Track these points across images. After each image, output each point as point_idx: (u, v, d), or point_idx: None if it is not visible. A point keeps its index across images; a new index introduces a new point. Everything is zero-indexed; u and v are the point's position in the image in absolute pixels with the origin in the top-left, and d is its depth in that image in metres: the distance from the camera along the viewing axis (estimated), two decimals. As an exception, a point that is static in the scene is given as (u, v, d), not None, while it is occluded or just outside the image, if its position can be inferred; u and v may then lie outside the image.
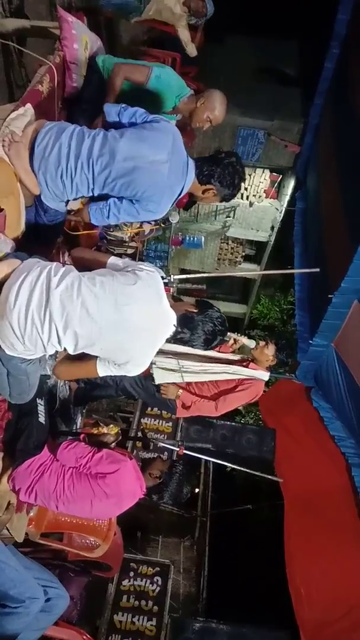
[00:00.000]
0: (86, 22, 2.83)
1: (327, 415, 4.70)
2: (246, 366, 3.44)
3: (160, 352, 3.48)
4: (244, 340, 3.53)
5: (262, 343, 3.48)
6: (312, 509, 4.45)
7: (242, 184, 2.34)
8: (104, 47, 2.95)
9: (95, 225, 2.40)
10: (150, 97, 2.66)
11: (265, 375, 3.46)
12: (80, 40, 2.63)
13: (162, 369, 3.42)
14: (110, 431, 2.73)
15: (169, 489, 2.71)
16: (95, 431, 2.70)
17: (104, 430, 2.73)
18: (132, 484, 2.42)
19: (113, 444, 2.65)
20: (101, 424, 2.80)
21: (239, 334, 3.60)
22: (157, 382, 3.44)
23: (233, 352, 3.54)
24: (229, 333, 3.43)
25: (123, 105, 2.22)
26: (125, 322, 1.75)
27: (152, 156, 2.04)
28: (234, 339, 3.52)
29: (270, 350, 3.45)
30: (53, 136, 2.03)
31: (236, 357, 3.52)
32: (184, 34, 4.33)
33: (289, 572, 4.23)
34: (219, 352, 3.52)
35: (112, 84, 2.58)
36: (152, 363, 3.39)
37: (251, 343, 3.51)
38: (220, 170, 2.20)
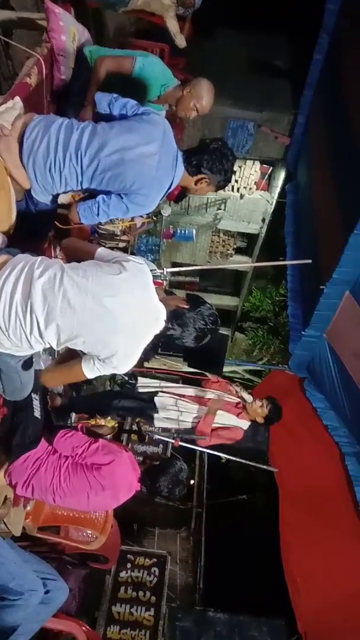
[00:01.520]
0: (73, 13, 2.80)
1: (320, 405, 4.74)
2: (237, 414, 3.66)
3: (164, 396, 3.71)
4: (244, 394, 3.71)
5: (258, 402, 3.66)
6: (307, 499, 4.50)
7: (234, 170, 2.30)
8: (91, 39, 2.93)
9: (87, 224, 2.38)
10: (134, 86, 2.63)
11: (246, 425, 3.68)
12: (68, 31, 2.61)
13: (165, 418, 3.68)
14: (107, 423, 2.73)
15: (165, 476, 2.63)
16: (92, 422, 2.70)
17: (101, 422, 2.73)
18: (128, 476, 2.43)
19: (109, 435, 2.66)
20: (98, 415, 2.81)
21: (241, 388, 3.83)
22: (156, 425, 3.68)
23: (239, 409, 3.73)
24: (234, 387, 3.73)
25: (114, 95, 2.20)
26: (107, 314, 1.70)
27: (141, 148, 2.02)
28: (236, 391, 3.73)
29: (263, 411, 3.65)
30: (42, 129, 2.01)
31: (234, 400, 3.75)
32: (173, 25, 4.29)
33: (285, 561, 4.29)
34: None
35: (95, 76, 2.56)
36: (155, 412, 3.65)
37: (249, 398, 3.69)
38: (207, 157, 2.15)
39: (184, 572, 6.08)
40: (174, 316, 1.92)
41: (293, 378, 5.15)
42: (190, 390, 3.81)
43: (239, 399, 3.75)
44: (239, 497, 6.73)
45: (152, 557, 5.40)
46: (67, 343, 1.75)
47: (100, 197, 2.13)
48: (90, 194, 2.20)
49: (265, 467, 3.94)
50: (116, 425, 2.85)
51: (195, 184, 2.23)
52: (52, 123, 2.03)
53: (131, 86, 2.62)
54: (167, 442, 3.63)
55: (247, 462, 3.68)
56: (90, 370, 1.86)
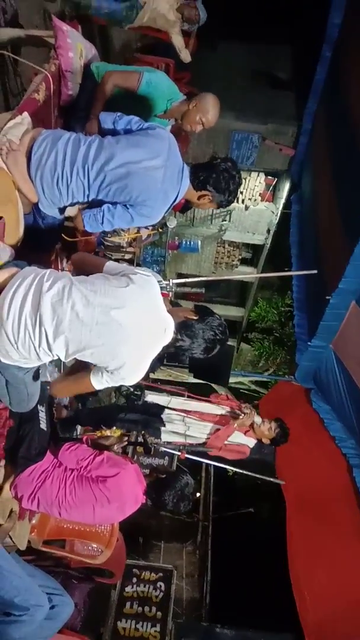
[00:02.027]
0: (80, 30, 2.85)
1: (327, 416, 4.70)
2: (244, 432, 3.69)
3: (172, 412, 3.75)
4: (255, 416, 3.71)
5: (267, 424, 3.68)
6: (314, 511, 4.44)
7: (239, 190, 2.32)
8: (98, 55, 2.97)
9: (91, 232, 2.40)
10: (141, 101, 2.67)
11: (252, 443, 3.73)
12: (75, 48, 2.65)
13: (171, 432, 3.71)
14: (113, 433, 2.72)
15: (171, 490, 2.61)
16: (98, 434, 2.68)
17: (107, 433, 2.72)
18: (133, 488, 2.40)
19: (117, 446, 2.63)
20: (104, 427, 2.79)
21: (252, 410, 3.81)
22: (162, 439, 3.71)
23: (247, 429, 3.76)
24: (247, 409, 3.73)
25: (118, 114, 2.24)
26: (115, 325, 1.71)
27: (146, 162, 2.05)
28: (248, 413, 3.71)
29: (271, 434, 3.68)
30: (49, 144, 2.04)
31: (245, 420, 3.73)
32: (178, 40, 4.36)
33: (292, 574, 4.22)
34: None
35: (101, 91, 2.60)
36: (162, 426, 3.69)
37: (258, 420, 3.71)
38: (215, 175, 2.17)
39: (190, 587, 6.01)
40: (182, 327, 1.91)
41: (299, 389, 5.12)
42: (197, 406, 3.83)
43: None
44: (246, 510, 6.65)
45: (158, 572, 5.35)
46: (76, 355, 1.75)
47: (105, 206, 2.16)
48: (96, 204, 2.23)
49: (272, 479, 3.90)
50: (123, 435, 2.82)
51: (198, 198, 2.26)
52: (59, 138, 2.06)
53: (138, 101, 2.66)
54: (174, 454, 3.61)
55: (254, 475, 3.65)
56: (98, 382, 1.86)
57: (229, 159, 2.27)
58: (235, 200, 8.99)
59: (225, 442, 3.63)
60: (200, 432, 3.71)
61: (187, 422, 3.72)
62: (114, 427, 3.06)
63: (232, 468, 3.65)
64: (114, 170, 2.03)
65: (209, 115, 2.67)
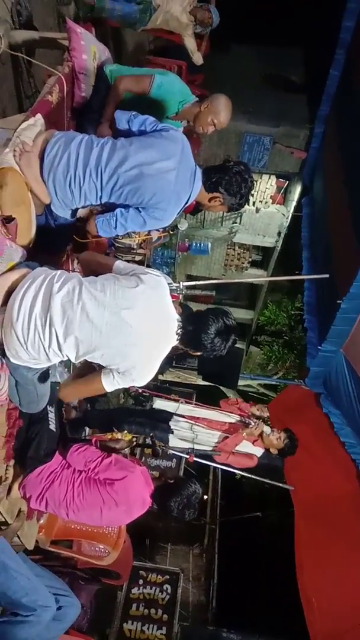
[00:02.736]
0: (94, 32, 2.86)
1: (337, 421, 4.65)
2: (252, 441, 3.69)
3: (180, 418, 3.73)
4: (264, 426, 3.71)
5: (276, 434, 3.69)
6: (323, 517, 4.40)
7: (250, 193, 2.31)
8: (111, 57, 2.98)
9: (105, 236, 2.40)
10: (153, 104, 2.67)
11: (259, 452, 3.73)
12: (89, 50, 2.66)
13: (179, 438, 3.71)
14: (124, 437, 2.71)
15: (178, 496, 2.59)
16: (108, 436, 2.68)
17: (118, 435, 2.71)
18: (141, 491, 2.39)
19: (127, 449, 2.63)
20: (115, 429, 2.79)
21: (262, 415, 3.88)
22: (170, 444, 3.68)
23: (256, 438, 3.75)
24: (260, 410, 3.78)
25: (133, 112, 2.23)
26: (125, 326, 1.71)
27: (159, 163, 2.05)
28: (258, 424, 3.71)
29: (279, 444, 3.69)
30: (62, 145, 2.04)
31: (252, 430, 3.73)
32: (190, 43, 4.37)
33: (300, 581, 4.18)
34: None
35: (114, 94, 2.60)
36: (170, 433, 3.68)
37: (267, 430, 3.71)
38: (227, 178, 2.16)
39: (197, 590, 5.98)
40: (191, 318, 1.90)
41: (309, 393, 5.08)
42: (206, 414, 3.82)
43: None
44: (253, 514, 6.61)
45: (164, 574, 5.33)
46: (86, 356, 1.76)
47: (118, 210, 2.15)
48: (108, 207, 2.23)
49: (281, 484, 3.87)
50: (133, 439, 2.82)
51: (209, 200, 2.24)
52: (72, 139, 2.06)
53: (149, 103, 2.65)
54: (181, 457, 3.60)
55: (263, 480, 3.63)
56: (109, 384, 1.85)
57: (241, 162, 2.25)
58: (246, 203, 8.98)
59: (233, 450, 3.63)
60: (208, 439, 3.70)
61: (194, 430, 3.72)
62: (125, 431, 3.06)
63: (240, 472, 3.62)
64: (127, 172, 2.03)
65: (221, 116, 2.66)
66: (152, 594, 5.14)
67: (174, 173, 2.07)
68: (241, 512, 6.79)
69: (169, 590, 5.18)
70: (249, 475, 3.63)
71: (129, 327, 1.72)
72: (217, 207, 2.28)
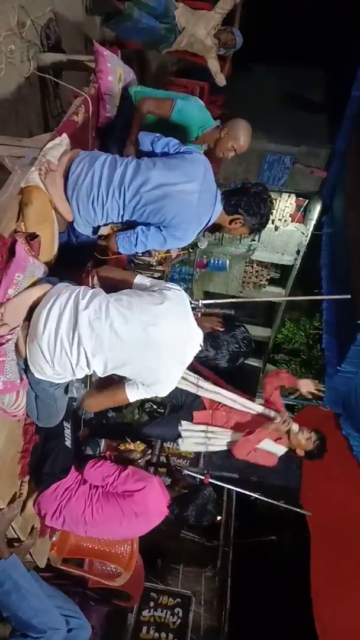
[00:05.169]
0: (120, 55, 2.93)
1: (356, 444, 4.55)
2: (275, 439, 3.37)
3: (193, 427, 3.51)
4: (293, 425, 3.37)
5: (306, 434, 3.35)
6: (340, 543, 4.27)
7: (270, 216, 2.31)
8: (136, 78, 3.04)
9: (125, 253, 2.43)
10: (173, 127, 2.72)
11: (282, 450, 3.41)
12: (115, 72, 2.72)
13: (191, 442, 3.46)
14: (137, 448, 2.70)
15: (193, 504, 2.50)
16: (122, 447, 2.67)
17: (131, 446, 2.70)
18: (159, 501, 2.38)
19: (141, 460, 2.61)
20: (128, 440, 2.78)
21: (291, 418, 3.46)
22: (182, 449, 3.48)
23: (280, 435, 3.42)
24: (285, 418, 3.37)
25: (157, 134, 2.29)
26: (153, 342, 1.76)
27: (182, 185, 2.08)
28: (287, 422, 3.34)
29: (308, 445, 3.34)
30: (86, 165, 2.08)
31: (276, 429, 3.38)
32: (214, 65, 4.43)
33: (316, 608, 4.04)
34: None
35: (137, 117, 2.66)
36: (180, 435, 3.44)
37: (295, 427, 3.37)
38: (247, 199, 2.21)
39: (209, 614, 5.82)
40: (208, 338, 1.97)
41: (328, 414, 4.98)
42: (231, 396, 3.47)
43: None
44: (268, 538, 6.44)
45: (176, 597, 5.21)
46: (114, 371, 1.79)
47: (139, 228, 2.19)
48: (129, 225, 2.25)
49: (298, 509, 3.74)
50: (146, 448, 2.80)
51: (230, 222, 2.29)
52: (96, 159, 2.10)
53: (170, 127, 2.71)
54: (196, 477, 3.52)
55: (279, 504, 3.52)
56: (134, 394, 1.90)
57: (260, 183, 2.29)
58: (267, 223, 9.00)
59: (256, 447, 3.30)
60: (222, 443, 3.42)
61: (208, 433, 3.48)
62: (138, 442, 3.02)
63: (256, 495, 3.51)
64: (150, 191, 2.06)
65: (241, 141, 2.68)
66: (163, 617, 5.01)
67: (196, 195, 2.10)
68: (256, 535, 6.63)
69: (180, 614, 5.04)
70: (266, 499, 3.49)
71: (157, 343, 1.76)
72: (239, 229, 2.32)
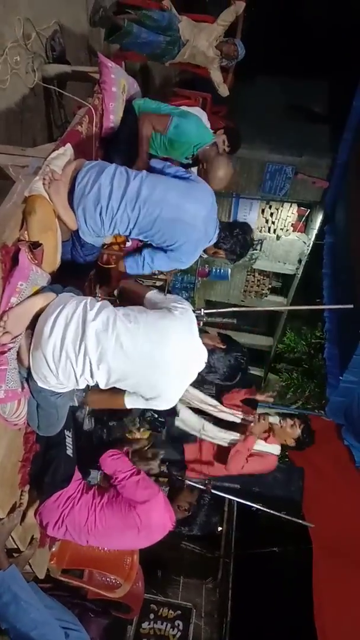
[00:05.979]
0: (124, 66, 2.96)
1: (358, 454, 4.52)
2: (264, 438, 3.30)
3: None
4: (270, 418, 3.32)
5: (289, 421, 3.28)
6: (343, 555, 4.22)
7: (248, 253, 2.71)
8: (140, 90, 3.07)
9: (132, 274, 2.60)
10: (168, 144, 2.81)
11: (276, 449, 3.34)
12: (119, 83, 2.75)
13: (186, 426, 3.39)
14: (142, 435, 2.70)
15: (197, 520, 2.63)
16: (129, 437, 2.67)
17: (137, 435, 2.70)
18: (162, 517, 2.36)
19: (155, 469, 2.61)
20: (132, 429, 2.77)
21: (267, 413, 3.42)
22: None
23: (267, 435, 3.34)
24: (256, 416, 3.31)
25: (167, 163, 2.44)
26: (157, 359, 1.78)
27: (194, 211, 2.21)
28: (263, 418, 3.27)
29: (295, 432, 3.27)
30: (93, 176, 2.11)
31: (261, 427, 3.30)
32: (217, 76, 4.47)
33: (318, 622, 3.99)
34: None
35: (141, 135, 2.73)
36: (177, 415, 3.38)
37: (276, 419, 3.34)
38: (232, 241, 2.48)
39: (209, 627, 5.75)
40: (209, 355, 2.04)
41: (330, 425, 4.95)
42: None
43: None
44: (269, 549, 6.38)
45: (176, 609, 5.15)
46: (116, 384, 1.81)
47: (145, 252, 2.36)
48: (136, 248, 2.44)
49: (300, 521, 3.70)
50: (151, 436, 2.80)
51: (213, 253, 2.57)
52: (103, 170, 2.13)
53: (167, 142, 2.79)
54: (198, 488, 3.48)
55: (281, 515, 3.48)
56: (132, 403, 1.97)
57: (245, 228, 2.55)
58: (267, 230, 9.00)
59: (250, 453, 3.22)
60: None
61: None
62: (142, 429, 2.97)
63: (257, 506, 3.46)
64: (165, 215, 2.15)
65: (213, 184, 2.69)
66: (162, 629, 4.95)
67: (204, 222, 2.26)
68: (257, 546, 6.56)
69: (181, 627, 4.98)
70: (268, 511, 3.45)
71: (161, 359, 1.79)
72: (218, 257, 2.61)
